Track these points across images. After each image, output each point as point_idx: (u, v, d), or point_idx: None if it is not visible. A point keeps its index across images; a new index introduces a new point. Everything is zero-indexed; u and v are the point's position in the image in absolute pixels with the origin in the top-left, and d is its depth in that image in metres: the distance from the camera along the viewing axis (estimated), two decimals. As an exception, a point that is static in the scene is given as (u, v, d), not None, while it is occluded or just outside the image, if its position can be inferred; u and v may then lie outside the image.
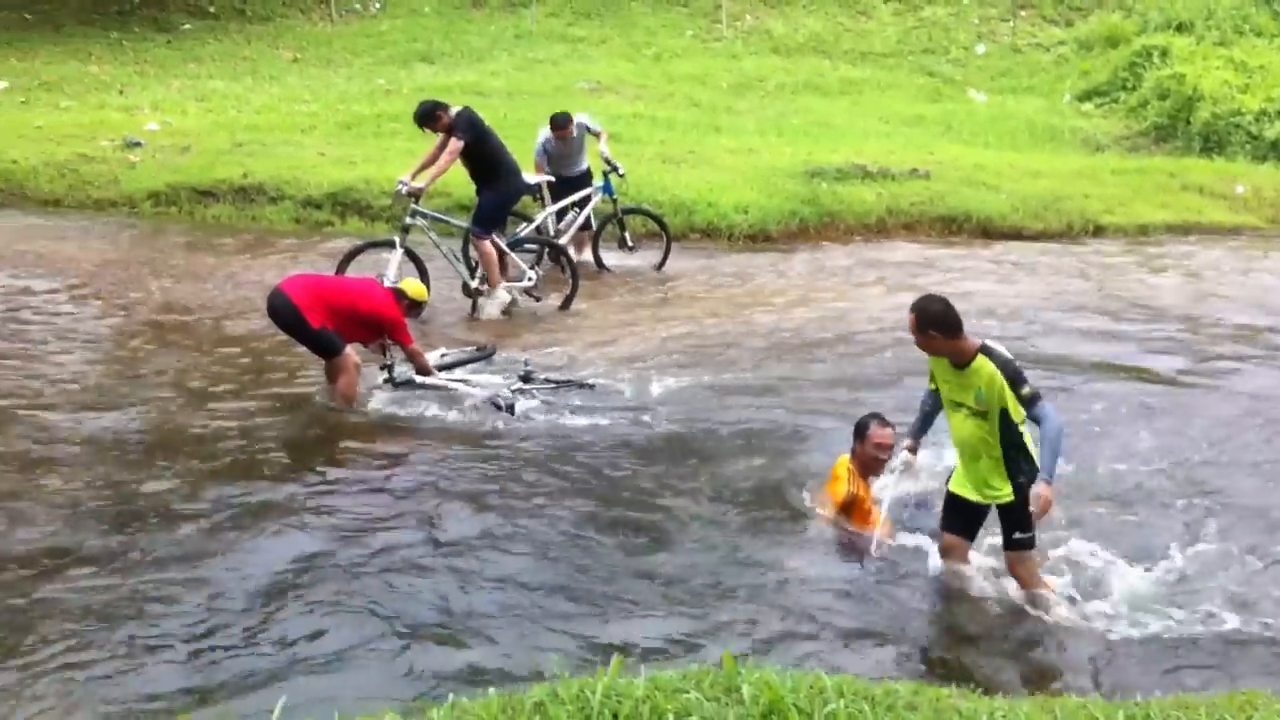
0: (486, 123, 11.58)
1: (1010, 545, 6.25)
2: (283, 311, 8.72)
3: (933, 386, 6.38)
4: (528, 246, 12.10)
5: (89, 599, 6.01)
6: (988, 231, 15.66)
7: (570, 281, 11.76)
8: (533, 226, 13.05)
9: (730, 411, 8.96)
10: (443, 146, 11.28)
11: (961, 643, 6.12)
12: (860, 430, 7.22)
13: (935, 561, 6.59)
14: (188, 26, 26.96)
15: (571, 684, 4.29)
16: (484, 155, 11.42)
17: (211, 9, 27.89)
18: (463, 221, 11.88)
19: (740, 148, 18.12)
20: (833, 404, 9.04)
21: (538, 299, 11.67)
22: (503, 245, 11.48)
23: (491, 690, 4.39)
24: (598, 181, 13.43)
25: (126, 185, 15.52)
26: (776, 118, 21.18)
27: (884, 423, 7.24)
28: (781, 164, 16.90)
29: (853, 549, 6.91)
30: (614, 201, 13.47)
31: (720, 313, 11.86)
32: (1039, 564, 6.43)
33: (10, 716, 5.01)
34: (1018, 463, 6.06)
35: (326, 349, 8.85)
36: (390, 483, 7.73)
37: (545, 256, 12.83)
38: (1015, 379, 5.90)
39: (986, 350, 5.96)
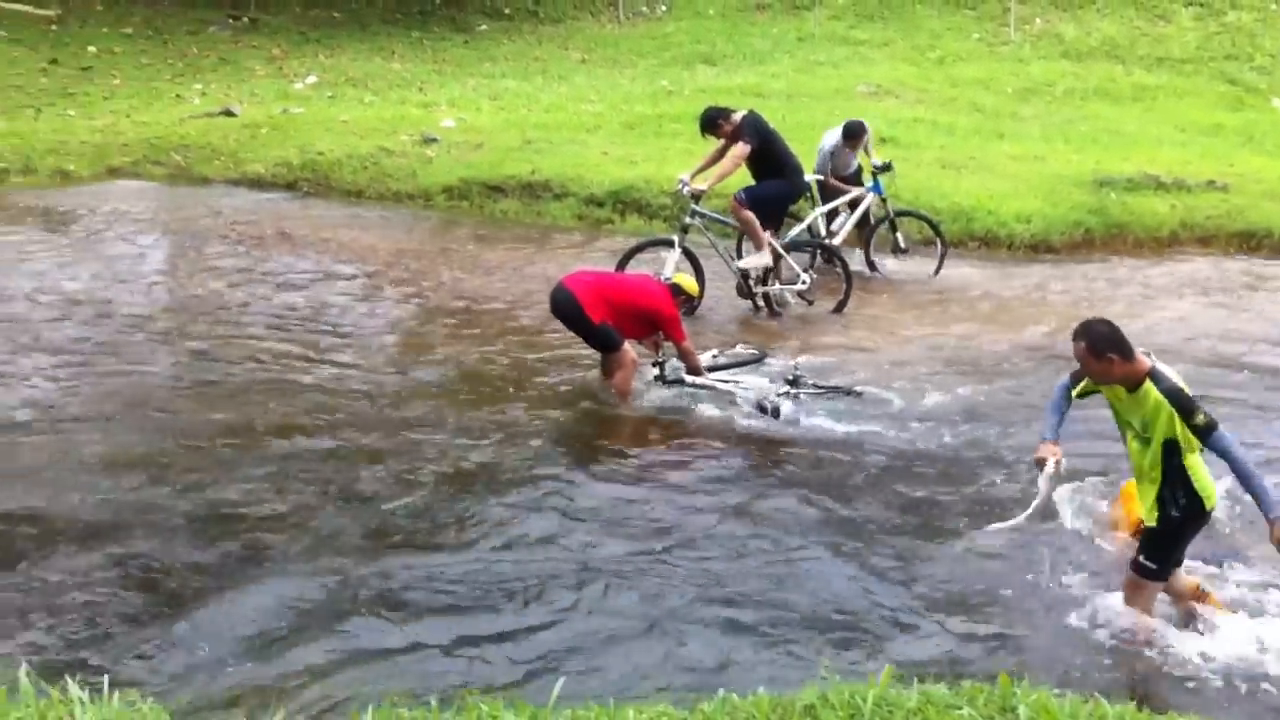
0: (771, 125, 11.62)
1: (1133, 566, 5.99)
2: (565, 306, 9.04)
3: (1076, 391, 6.12)
4: (803, 249, 12.08)
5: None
6: (1289, 249, 14.76)
7: (844, 285, 11.72)
8: (803, 226, 13.07)
9: (999, 427, 8.77)
10: (724, 150, 11.38)
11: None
12: None
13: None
14: (484, 27, 28.14)
15: (843, 689, 4.33)
16: (770, 157, 11.49)
17: (506, 10, 29.04)
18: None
19: (1024, 154, 17.64)
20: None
21: (810, 302, 11.69)
22: (779, 247, 11.54)
23: (761, 689, 4.47)
24: (867, 182, 13.34)
25: (423, 179, 16.35)
26: (1064, 124, 20.48)
27: None
28: (1067, 172, 16.36)
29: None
30: (885, 203, 13.36)
31: (996, 322, 11.60)
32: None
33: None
34: (1174, 493, 5.78)
35: (606, 344, 9.12)
36: (655, 479, 7.93)
37: (819, 259, 12.84)
38: (1185, 408, 5.59)
39: (1154, 375, 5.67)
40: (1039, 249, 14.48)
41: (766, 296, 11.68)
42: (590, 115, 19.65)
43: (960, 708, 4.25)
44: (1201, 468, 5.82)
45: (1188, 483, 5.76)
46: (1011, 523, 6.80)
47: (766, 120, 11.64)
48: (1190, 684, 5.75)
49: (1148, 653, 5.96)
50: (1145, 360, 5.76)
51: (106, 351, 9.84)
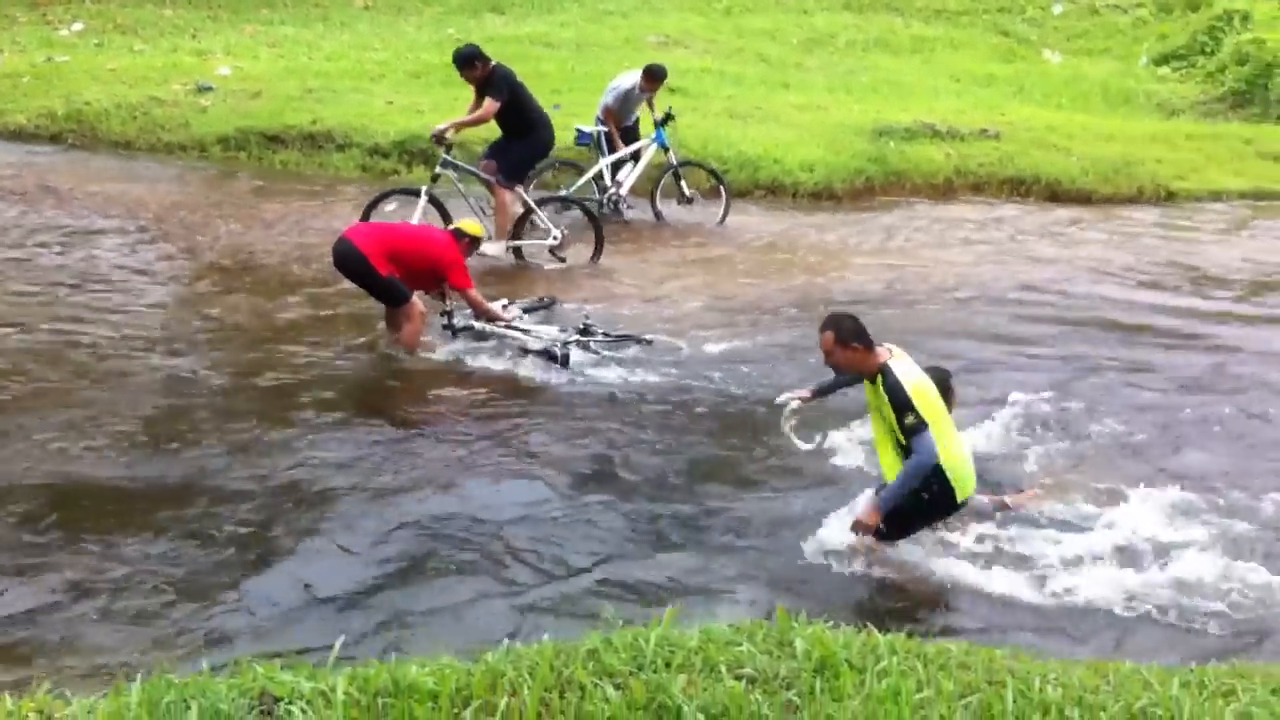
0: (518, 77, 11.65)
1: (857, 526, 6.21)
2: (350, 259, 8.81)
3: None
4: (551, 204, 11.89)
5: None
6: (1056, 194, 15.38)
7: (595, 236, 11.64)
8: (588, 176, 13.06)
9: (781, 373, 8.91)
10: (479, 102, 11.42)
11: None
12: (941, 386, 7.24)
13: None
14: (261, -28, 27.08)
15: (625, 633, 4.35)
16: (518, 111, 11.54)
17: (285, -46, 27.98)
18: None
19: (808, 104, 17.94)
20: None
21: (563, 260, 11.61)
22: (530, 201, 11.48)
23: (546, 636, 4.45)
24: (647, 134, 13.39)
25: (197, 129, 15.66)
26: (846, 75, 20.94)
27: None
28: (849, 122, 16.72)
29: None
30: (668, 153, 13.42)
31: (773, 272, 11.79)
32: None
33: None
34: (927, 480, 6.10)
35: (394, 297, 8.93)
36: (449, 433, 7.84)
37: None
38: (900, 407, 5.98)
39: (885, 370, 6.08)
40: (822, 197, 14.79)
41: (517, 250, 11.57)
42: (374, 64, 19.13)
43: (740, 644, 4.32)
44: (956, 458, 6.12)
45: (941, 475, 6.06)
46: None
47: (515, 74, 11.62)
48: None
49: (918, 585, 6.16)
50: (881, 355, 6.13)
51: None
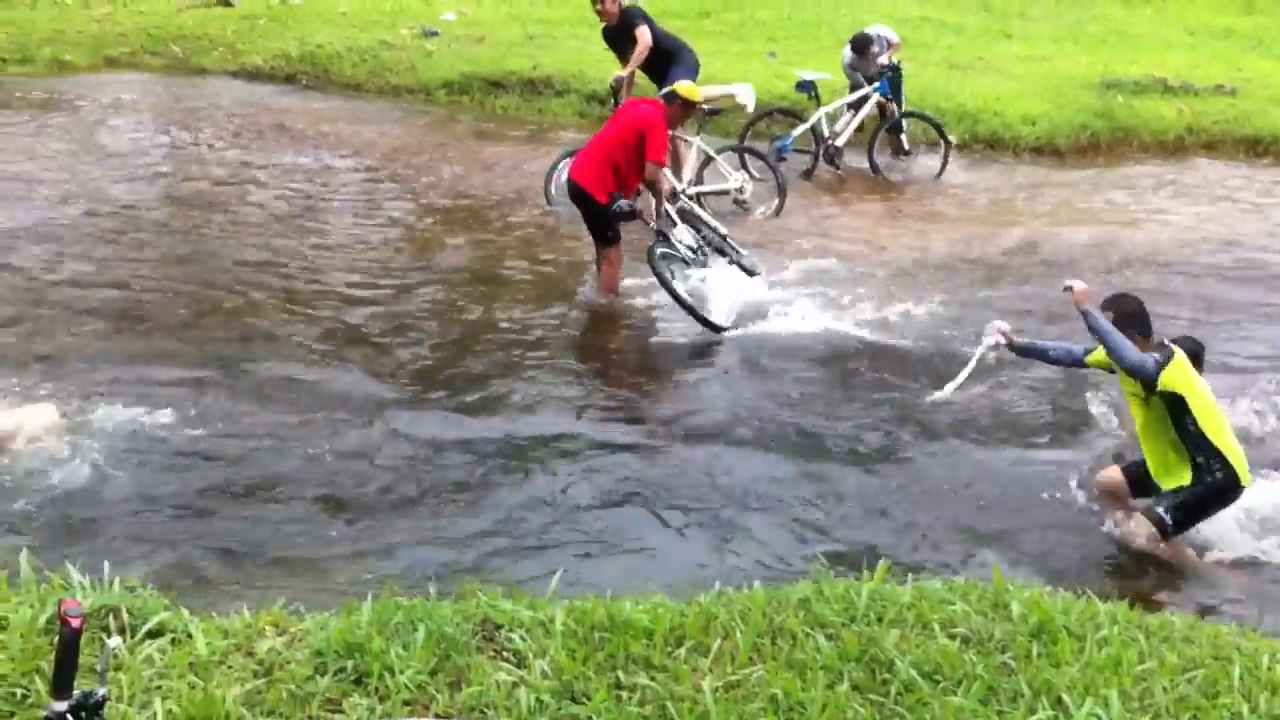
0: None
1: (1150, 514, 6.07)
2: (576, 196, 9.10)
3: (1089, 359, 6.42)
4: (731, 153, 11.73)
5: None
6: (1295, 156, 14.61)
7: (778, 190, 11.51)
8: (806, 126, 12.96)
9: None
10: (621, 44, 11.59)
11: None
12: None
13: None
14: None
15: (837, 584, 4.38)
16: (658, 42, 11.46)
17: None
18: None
19: (1032, 55, 17.41)
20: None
21: (746, 208, 11.45)
22: (709, 150, 11.38)
23: (757, 583, 4.52)
24: (877, 83, 13.21)
25: (423, 73, 16.13)
26: (1073, 25, 20.19)
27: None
28: (1075, 74, 16.16)
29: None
30: (892, 103, 13.22)
31: (987, 228, 11.54)
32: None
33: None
34: (1200, 459, 5.95)
35: (605, 235, 9.07)
36: (650, 387, 7.99)
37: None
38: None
39: (1160, 347, 5.99)
40: (1044, 152, 14.34)
41: (699, 196, 11.20)
42: (593, 11, 19.26)
43: (953, 603, 4.31)
44: (1232, 444, 5.97)
45: (1221, 458, 5.91)
46: (953, 384, 7.23)
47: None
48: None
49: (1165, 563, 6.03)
50: (1154, 346, 6.03)
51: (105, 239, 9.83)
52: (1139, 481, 6.30)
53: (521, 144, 13.80)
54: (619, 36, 11.57)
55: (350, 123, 14.39)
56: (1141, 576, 5.96)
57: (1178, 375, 5.89)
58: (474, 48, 16.72)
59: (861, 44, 13.29)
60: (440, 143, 13.73)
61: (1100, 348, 6.18)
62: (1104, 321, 6.06)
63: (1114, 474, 6.46)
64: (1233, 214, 12.34)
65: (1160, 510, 6.04)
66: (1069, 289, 6.23)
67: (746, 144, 12.41)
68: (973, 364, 7.18)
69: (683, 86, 9.28)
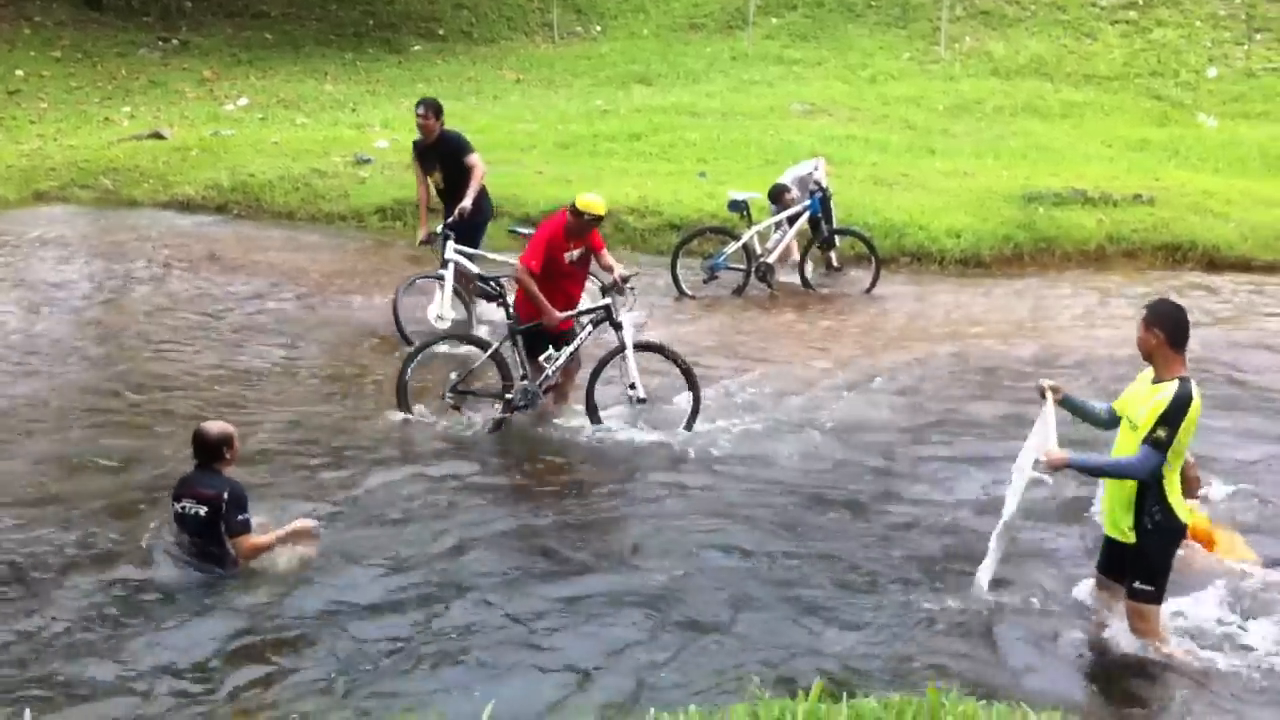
0: None
1: (1129, 594, 6.02)
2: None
3: (1118, 409, 6.13)
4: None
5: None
6: (1214, 262, 14.91)
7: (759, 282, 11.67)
8: (738, 245, 13.16)
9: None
10: (443, 166, 11.52)
11: (1120, 688, 5.97)
12: None
13: (1084, 593, 6.51)
14: (418, 48, 28.01)
15: (773, 705, 4.31)
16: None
17: (440, 31, 28.92)
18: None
19: (955, 170, 17.81)
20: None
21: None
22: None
23: (693, 707, 4.44)
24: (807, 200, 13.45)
25: (355, 200, 16.24)
26: (994, 140, 20.72)
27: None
28: (997, 188, 16.52)
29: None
30: (821, 221, 13.46)
31: (912, 340, 11.71)
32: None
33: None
34: (1146, 502, 5.84)
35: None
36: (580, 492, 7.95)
37: (751, 276, 13.04)
38: (1167, 416, 5.65)
39: (1184, 381, 5.74)
40: (969, 264, 14.61)
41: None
42: (525, 135, 19.62)
43: (888, 721, 4.25)
44: (1178, 489, 5.89)
45: (1162, 493, 5.83)
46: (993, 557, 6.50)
47: None
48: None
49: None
50: (1183, 368, 5.83)
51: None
52: (1111, 556, 6.21)
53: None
54: (432, 155, 11.46)
55: (282, 250, 14.42)
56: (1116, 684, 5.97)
57: (1194, 413, 5.73)
58: (406, 173, 16.76)
59: (777, 194, 13.60)
60: (374, 268, 13.77)
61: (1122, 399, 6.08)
62: (1090, 461, 6.02)
63: (1097, 579, 6.38)
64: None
65: (1136, 586, 5.97)
66: (1038, 462, 6.03)
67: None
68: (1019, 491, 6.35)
69: (585, 200, 9.04)
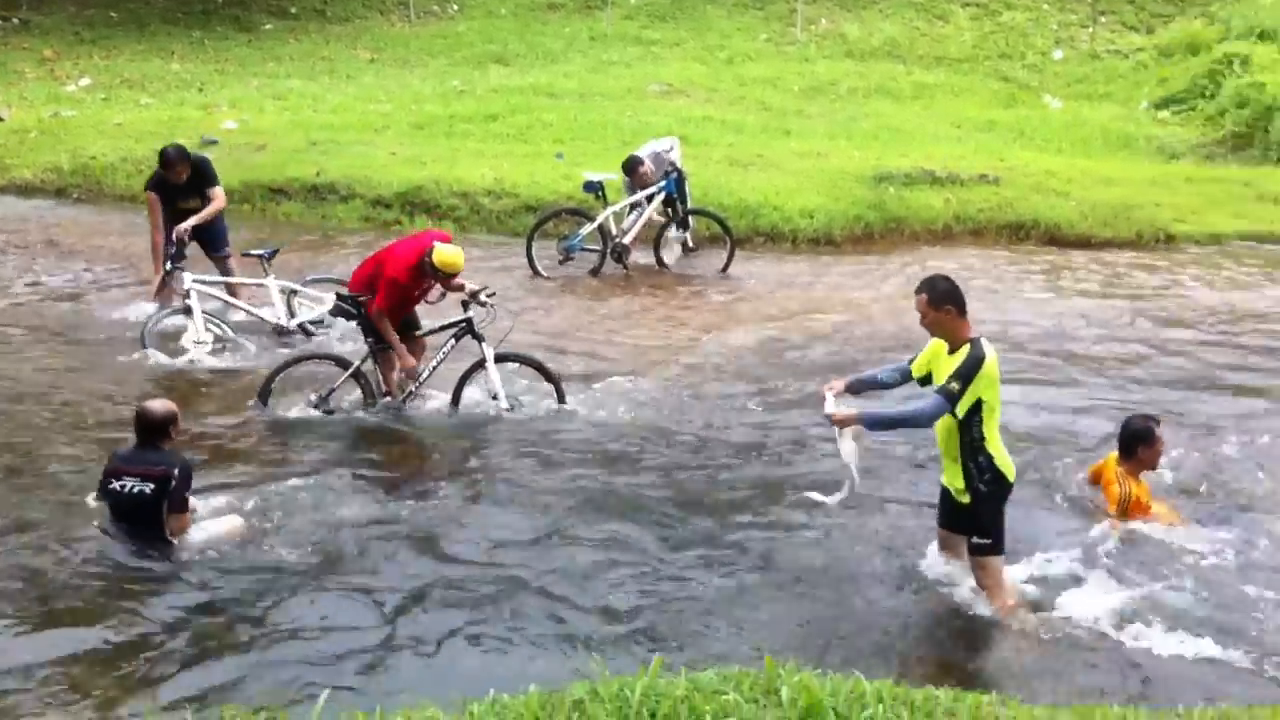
0: None
1: (970, 549, 6.29)
2: None
3: (918, 374, 6.38)
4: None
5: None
6: (1055, 239, 15.41)
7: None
8: (594, 226, 13.16)
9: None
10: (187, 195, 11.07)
11: (961, 647, 6.15)
12: (1147, 436, 7.30)
13: (934, 553, 6.69)
14: (269, 26, 27.40)
15: (611, 683, 4.34)
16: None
17: (293, 10, 28.33)
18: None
19: (809, 151, 18.05)
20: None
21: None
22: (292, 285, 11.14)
23: (533, 687, 4.45)
24: (662, 181, 13.48)
25: (202, 182, 15.79)
26: (847, 122, 21.08)
27: (1158, 422, 7.45)
28: (850, 168, 16.81)
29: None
30: (676, 201, 13.51)
31: (763, 319, 11.86)
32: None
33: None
34: (974, 464, 6.10)
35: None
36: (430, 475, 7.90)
37: (607, 258, 13.07)
38: (960, 371, 5.93)
39: (975, 342, 6.02)
40: (821, 243, 14.84)
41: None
42: (379, 115, 19.34)
43: (726, 693, 4.31)
44: (1000, 445, 6.13)
45: (986, 453, 6.07)
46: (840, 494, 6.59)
47: None
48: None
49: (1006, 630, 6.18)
50: (971, 328, 6.10)
51: None
52: (948, 511, 6.43)
53: (306, 250, 13.61)
54: (179, 190, 11.03)
55: (124, 235, 13.97)
56: (943, 647, 6.15)
57: (986, 372, 5.94)
58: (255, 155, 16.50)
59: (631, 166, 13.58)
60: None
61: (919, 358, 6.32)
62: (885, 414, 6.27)
63: (943, 532, 6.57)
64: (1002, 298, 12.93)
65: (974, 541, 6.21)
66: (829, 418, 6.23)
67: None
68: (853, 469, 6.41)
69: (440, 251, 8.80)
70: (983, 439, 6.05)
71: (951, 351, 6.08)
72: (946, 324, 6.08)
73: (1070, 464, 8.12)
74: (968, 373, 5.91)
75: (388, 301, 8.79)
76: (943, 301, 6.04)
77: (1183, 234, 15.84)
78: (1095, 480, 7.55)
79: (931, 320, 6.11)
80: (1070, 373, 10.31)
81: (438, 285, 9.14)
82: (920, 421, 6.05)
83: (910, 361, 6.49)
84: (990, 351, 5.99)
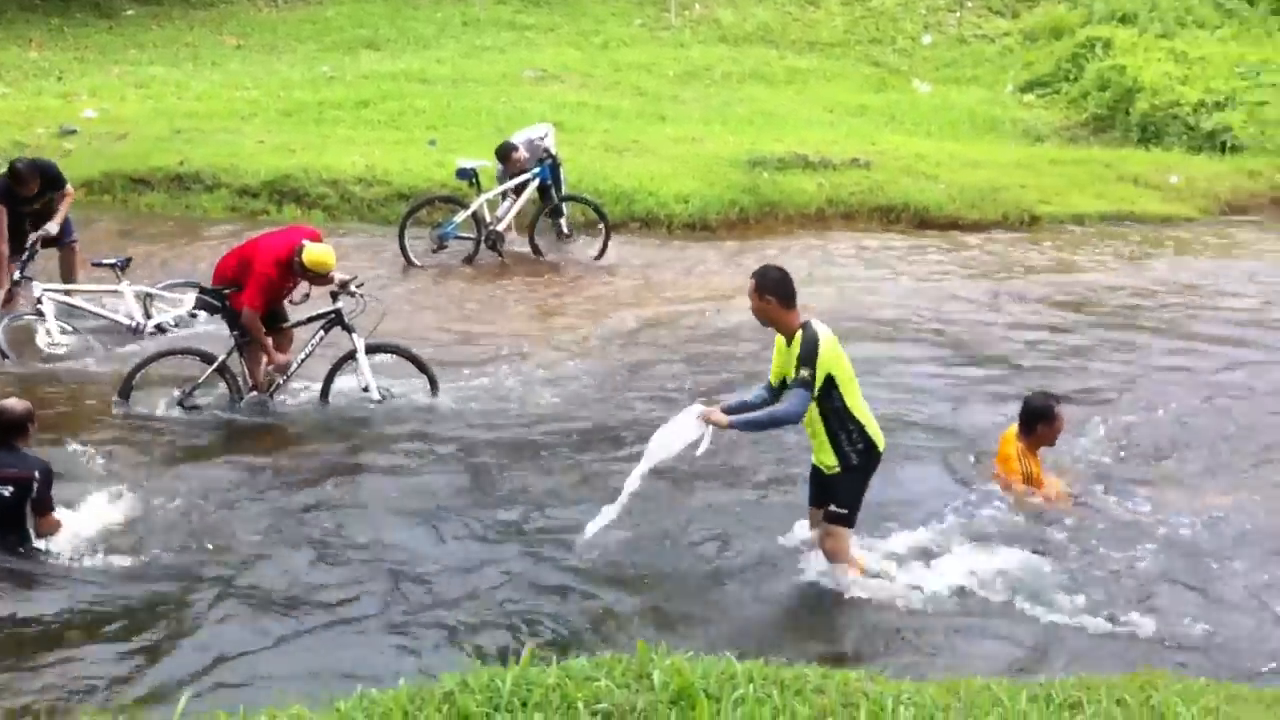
0: None
1: (826, 516, 6.40)
2: None
3: (777, 382, 6.41)
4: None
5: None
6: (925, 221, 15.69)
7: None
8: (468, 213, 13.03)
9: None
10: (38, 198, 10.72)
11: (831, 624, 6.24)
12: (1046, 414, 7.41)
13: (801, 531, 6.77)
14: (130, 12, 26.55)
15: (482, 674, 4.30)
16: None
17: (155, -7, 27.52)
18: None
19: (684, 137, 18.09)
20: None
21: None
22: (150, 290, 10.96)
23: (402, 681, 4.39)
24: (536, 168, 13.39)
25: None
26: (721, 107, 21.16)
27: (1059, 401, 7.59)
28: (724, 153, 16.87)
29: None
30: (551, 188, 13.44)
31: (637, 305, 11.87)
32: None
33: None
34: (840, 435, 6.21)
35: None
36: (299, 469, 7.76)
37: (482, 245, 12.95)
38: (802, 357, 6.02)
39: (805, 326, 6.11)
40: (697, 228, 14.90)
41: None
42: (245, 103, 18.87)
43: (598, 679, 4.29)
44: (868, 414, 6.24)
45: (854, 420, 6.17)
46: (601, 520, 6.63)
47: None
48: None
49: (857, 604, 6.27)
50: (800, 315, 6.16)
51: None
52: (819, 487, 6.52)
53: (168, 240, 13.26)
54: (36, 197, 10.71)
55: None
56: (813, 625, 6.24)
57: (824, 350, 6.03)
58: (116, 145, 15.97)
59: (505, 152, 13.46)
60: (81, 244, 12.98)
61: (772, 367, 6.35)
62: (752, 418, 6.22)
63: (815, 511, 6.63)
64: (874, 280, 13.12)
65: (832, 509, 6.32)
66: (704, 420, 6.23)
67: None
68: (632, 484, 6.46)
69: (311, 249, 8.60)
70: (846, 409, 6.16)
71: (789, 343, 6.17)
72: (771, 313, 6.18)
73: (951, 440, 8.27)
74: (809, 355, 6.00)
75: (258, 300, 8.58)
76: (765, 291, 6.13)
77: (1047, 215, 16.26)
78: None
79: (757, 308, 6.21)
80: (942, 351, 10.50)
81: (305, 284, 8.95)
82: (791, 418, 6.10)
83: (769, 378, 6.51)
84: (823, 330, 6.10)
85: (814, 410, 6.16)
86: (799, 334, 6.08)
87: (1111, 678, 4.56)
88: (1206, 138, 19.77)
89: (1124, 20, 24.59)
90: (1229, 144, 19.34)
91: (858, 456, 6.23)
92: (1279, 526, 7.27)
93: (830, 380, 6.07)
